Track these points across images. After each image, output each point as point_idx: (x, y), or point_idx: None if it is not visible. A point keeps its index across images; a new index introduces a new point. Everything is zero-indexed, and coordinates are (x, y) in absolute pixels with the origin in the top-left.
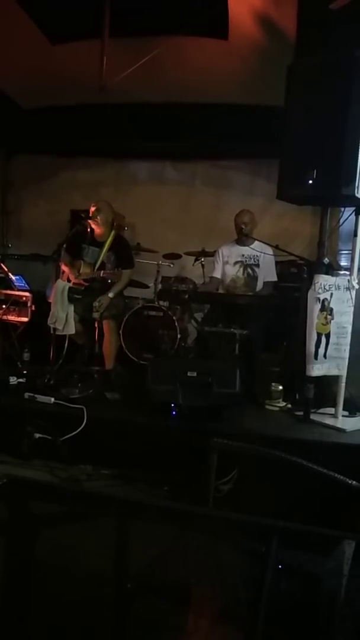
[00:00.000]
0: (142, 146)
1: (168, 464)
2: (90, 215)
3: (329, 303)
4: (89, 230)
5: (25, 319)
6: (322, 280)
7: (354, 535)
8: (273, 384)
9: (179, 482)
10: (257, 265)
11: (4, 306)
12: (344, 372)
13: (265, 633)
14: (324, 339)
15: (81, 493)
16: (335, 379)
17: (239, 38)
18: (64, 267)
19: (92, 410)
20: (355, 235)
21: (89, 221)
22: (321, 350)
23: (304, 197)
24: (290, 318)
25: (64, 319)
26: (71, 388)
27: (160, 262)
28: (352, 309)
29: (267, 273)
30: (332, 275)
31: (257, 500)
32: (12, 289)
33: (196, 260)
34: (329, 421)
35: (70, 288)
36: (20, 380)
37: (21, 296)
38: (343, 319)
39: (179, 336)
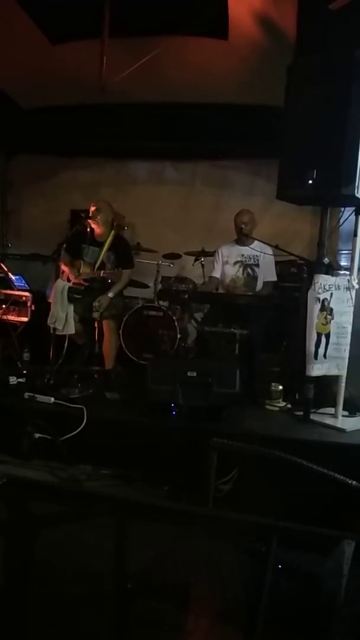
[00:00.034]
0: (142, 146)
1: (168, 464)
2: (90, 215)
3: (328, 303)
4: (88, 230)
5: (25, 319)
6: (322, 280)
7: (354, 535)
8: (273, 384)
9: (179, 482)
10: (257, 265)
11: (3, 306)
12: (343, 372)
13: (265, 633)
14: (323, 339)
15: (81, 493)
16: (335, 378)
17: (239, 38)
18: (63, 267)
19: (92, 410)
20: (355, 235)
21: (89, 221)
22: (321, 350)
23: (304, 197)
24: (290, 318)
25: (63, 318)
26: (71, 388)
27: (160, 262)
28: (352, 308)
29: (267, 273)
30: (332, 275)
31: (257, 500)
32: (12, 289)
33: (196, 260)
34: (329, 421)
35: (70, 288)
36: (20, 380)
37: (21, 296)
38: (343, 319)
39: (178, 336)
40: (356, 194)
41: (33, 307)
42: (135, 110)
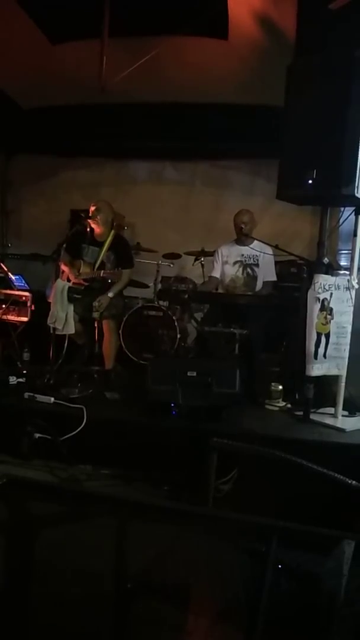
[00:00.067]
0: (142, 146)
1: (168, 464)
2: (90, 215)
3: (328, 303)
4: (88, 230)
5: (25, 319)
6: (322, 280)
7: (354, 535)
8: (273, 383)
9: (179, 482)
10: (257, 265)
11: (3, 306)
12: (343, 372)
13: (265, 633)
14: (323, 339)
15: (81, 493)
16: (335, 378)
17: (239, 38)
18: (63, 267)
19: (92, 410)
20: (355, 235)
21: (89, 221)
22: (321, 350)
23: (304, 197)
24: (290, 318)
25: (63, 318)
26: (71, 388)
27: (160, 262)
28: (351, 308)
29: (267, 273)
30: (332, 275)
31: (257, 500)
32: (11, 289)
33: (196, 260)
34: (328, 421)
35: (69, 288)
36: (20, 380)
37: (21, 296)
38: (343, 319)
39: (178, 336)
40: (356, 194)
41: (33, 307)
42: (135, 110)
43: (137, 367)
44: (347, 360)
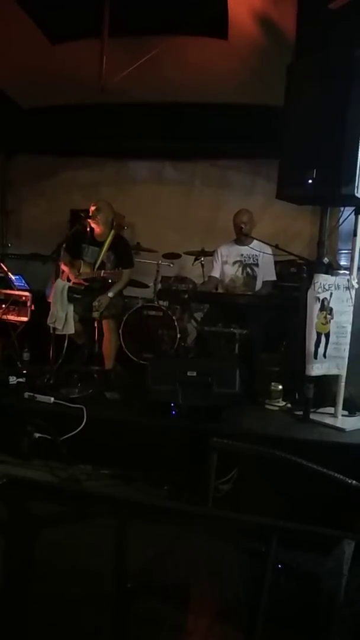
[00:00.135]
0: (142, 146)
1: (168, 464)
2: (90, 214)
3: (328, 302)
4: (88, 229)
5: (24, 319)
6: (322, 279)
7: (354, 535)
8: (273, 383)
9: (179, 482)
10: (257, 265)
11: (3, 306)
12: (343, 372)
13: (265, 633)
14: (323, 339)
15: (81, 493)
16: (335, 378)
17: (239, 38)
18: (63, 267)
19: (91, 410)
20: (355, 234)
21: (89, 221)
22: (321, 350)
23: (304, 197)
24: (289, 318)
25: (63, 318)
26: (71, 388)
27: (159, 262)
28: (351, 308)
29: (266, 272)
30: (332, 274)
31: (257, 500)
32: (11, 289)
33: (196, 259)
34: (328, 421)
35: (69, 288)
36: (20, 380)
37: (21, 296)
38: (343, 319)
39: (178, 336)
40: (356, 194)
41: (33, 307)
42: (135, 110)
43: (137, 367)
44: (347, 360)
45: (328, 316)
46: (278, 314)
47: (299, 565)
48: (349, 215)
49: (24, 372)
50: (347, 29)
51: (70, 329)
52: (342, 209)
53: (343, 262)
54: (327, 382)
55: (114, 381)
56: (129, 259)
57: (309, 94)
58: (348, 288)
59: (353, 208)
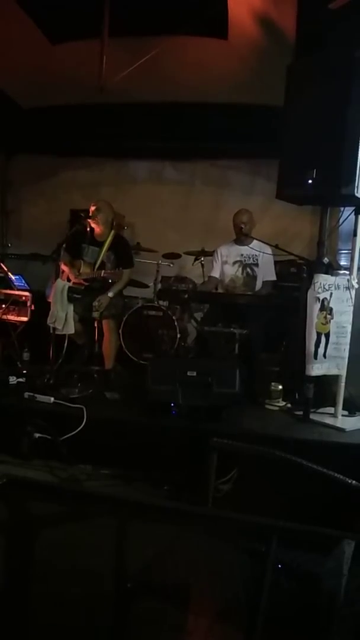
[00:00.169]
0: (142, 146)
1: (168, 464)
2: (90, 214)
3: (328, 302)
4: (88, 229)
5: (24, 319)
6: (322, 279)
7: (354, 535)
8: (273, 383)
9: (179, 482)
10: (256, 265)
11: (3, 306)
12: (343, 372)
13: (265, 633)
14: (323, 339)
15: (81, 493)
16: (335, 378)
17: (239, 38)
18: (63, 267)
19: (91, 410)
20: (355, 234)
21: (89, 221)
22: (321, 350)
23: (304, 197)
24: (289, 318)
25: (63, 318)
26: (71, 388)
27: (159, 262)
28: (351, 308)
29: (266, 272)
30: (332, 274)
31: (257, 500)
32: (11, 289)
33: (196, 259)
34: (328, 421)
35: (69, 287)
36: (20, 380)
37: (21, 296)
38: (343, 319)
39: (178, 336)
40: (356, 194)
41: (33, 307)
42: (135, 110)
43: (137, 367)
44: (347, 360)
45: (328, 316)
46: (278, 314)
47: (299, 565)
48: (349, 215)
49: (24, 372)
50: (347, 29)
51: (70, 329)
52: (342, 209)
53: (343, 262)
54: (327, 382)
55: (114, 381)
56: (129, 259)
57: (309, 94)
58: (348, 288)
59: (353, 208)
